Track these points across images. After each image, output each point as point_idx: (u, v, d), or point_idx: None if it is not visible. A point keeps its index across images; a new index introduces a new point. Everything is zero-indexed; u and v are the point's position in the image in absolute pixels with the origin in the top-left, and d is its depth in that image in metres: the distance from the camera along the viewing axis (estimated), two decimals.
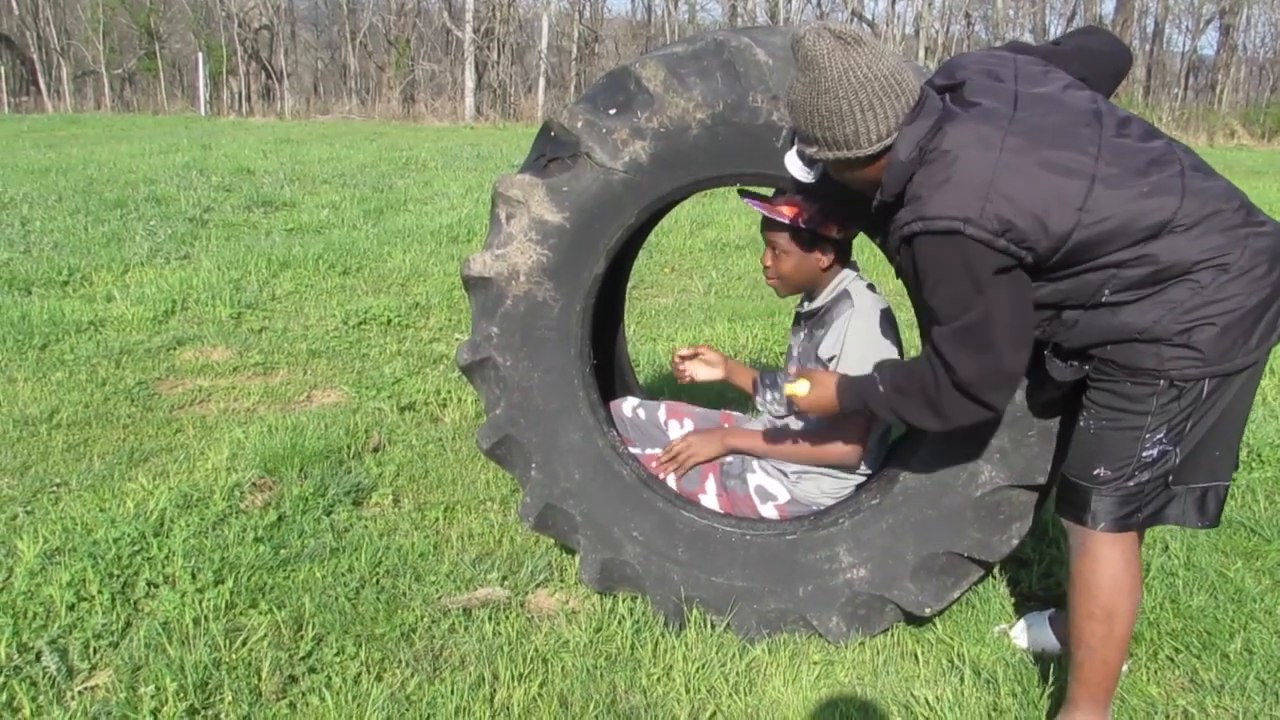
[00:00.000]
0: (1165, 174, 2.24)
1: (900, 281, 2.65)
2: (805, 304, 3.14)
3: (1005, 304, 2.24)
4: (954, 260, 2.21)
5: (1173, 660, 3.02)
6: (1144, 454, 2.37)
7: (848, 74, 2.24)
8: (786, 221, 2.88)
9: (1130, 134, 2.30)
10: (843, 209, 2.80)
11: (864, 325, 2.93)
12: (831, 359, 2.96)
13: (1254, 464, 4.34)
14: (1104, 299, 2.29)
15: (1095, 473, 2.43)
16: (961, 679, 2.90)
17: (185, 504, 3.77)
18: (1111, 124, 2.29)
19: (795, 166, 2.52)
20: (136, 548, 3.42)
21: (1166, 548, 3.58)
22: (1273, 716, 2.76)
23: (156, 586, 3.24)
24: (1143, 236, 2.21)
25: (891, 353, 2.94)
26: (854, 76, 2.24)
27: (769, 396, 2.91)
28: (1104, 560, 2.46)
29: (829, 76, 2.25)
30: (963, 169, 2.19)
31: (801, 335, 3.14)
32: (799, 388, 2.72)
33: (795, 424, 3.12)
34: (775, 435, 3.11)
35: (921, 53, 30.73)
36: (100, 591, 3.18)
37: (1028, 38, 32.85)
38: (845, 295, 2.99)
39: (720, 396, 4.96)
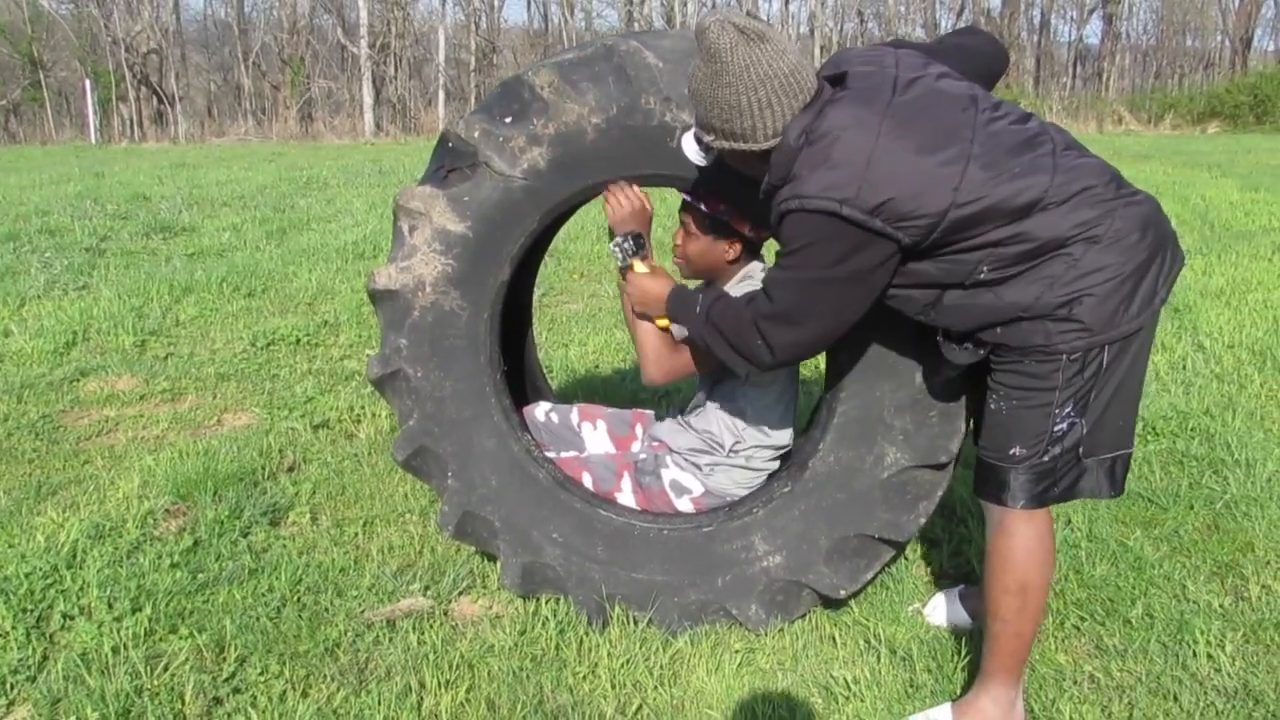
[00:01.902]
0: (1037, 154, 2.32)
1: None
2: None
3: (853, 282, 2.35)
4: (823, 232, 2.29)
5: (1078, 629, 3.13)
6: (1055, 429, 2.45)
7: (748, 70, 2.28)
8: (702, 208, 2.93)
9: (1004, 117, 2.38)
10: (760, 210, 2.84)
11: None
12: None
13: (1149, 436, 4.51)
14: (982, 276, 2.36)
15: (1011, 452, 2.50)
16: (878, 658, 2.97)
17: (97, 534, 3.71)
18: (986, 108, 2.37)
19: (691, 149, 2.58)
20: (49, 581, 3.36)
21: (1069, 521, 3.71)
22: (1174, 676, 2.88)
23: (72, 618, 3.19)
24: (1016, 215, 2.29)
25: None
26: (754, 73, 2.28)
27: (618, 253, 2.88)
28: (1019, 535, 2.54)
29: (729, 71, 2.28)
30: (841, 150, 2.25)
31: None
32: (641, 268, 2.82)
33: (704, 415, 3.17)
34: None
35: (817, 51, 31.21)
36: (14, 627, 3.12)
37: (919, 33, 33.55)
38: (748, 277, 3.04)
39: (633, 398, 5.02)
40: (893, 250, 2.32)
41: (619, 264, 2.92)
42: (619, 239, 2.89)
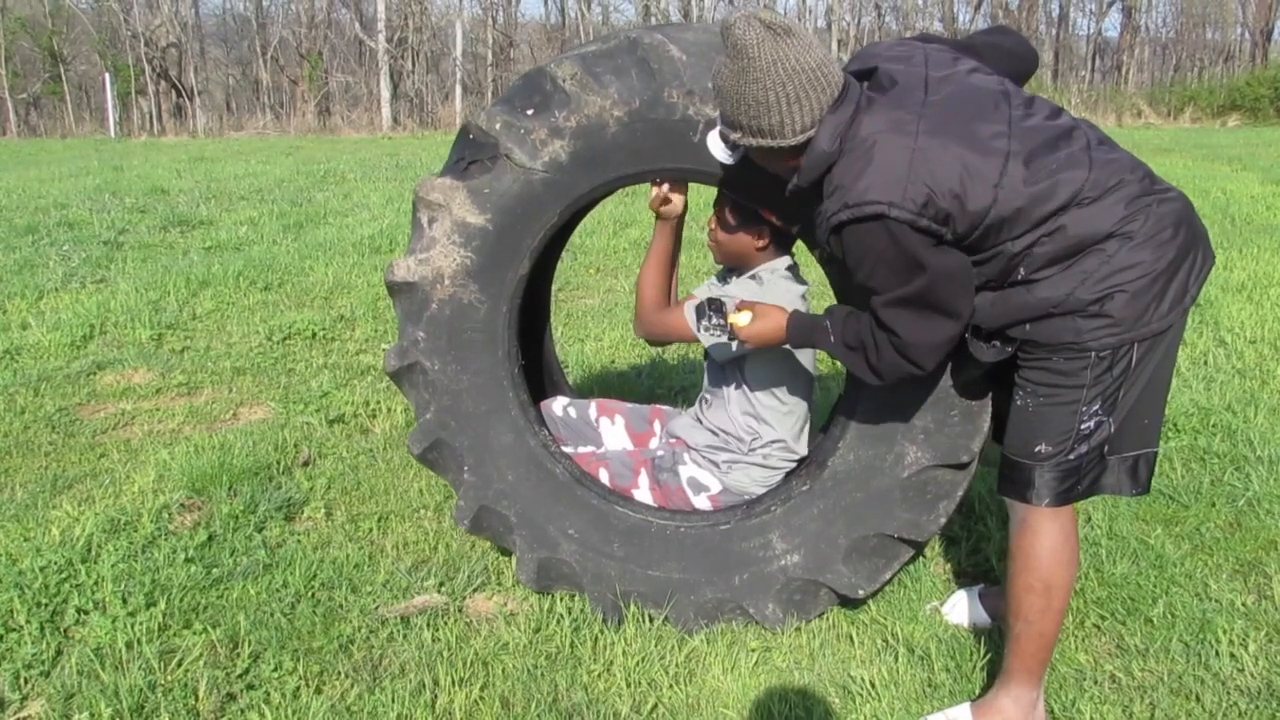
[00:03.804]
0: (1073, 148, 2.31)
1: (822, 271, 2.69)
2: (732, 277, 3.15)
3: (946, 271, 2.30)
4: (885, 242, 2.25)
5: (1099, 627, 3.10)
6: (1082, 426, 2.43)
7: (775, 65, 2.26)
8: (725, 190, 2.91)
9: (1036, 113, 2.36)
10: (783, 205, 2.82)
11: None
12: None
13: (1170, 433, 4.46)
14: (1020, 277, 2.35)
15: (1036, 450, 2.48)
16: (896, 657, 2.95)
17: (113, 528, 3.70)
18: (1019, 104, 2.35)
19: (716, 147, 2.55)
20: (64, 575, 3.36)
21: (1089, 518, 3.67)
22: (1196, 676, 2.84)
23: (86, 613, 3.19)
24: (1054, 211, 2.27)
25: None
26: (781, 68, 2.27)
27: (713, 321, 2.84)
28: (1044, 534, 2.52)
29: (757, 66, 2.27)
30: (881, 155, 2.23)
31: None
32: (741, 318, 2.75)
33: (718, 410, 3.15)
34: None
35: (834, 45, 31.11)
36: (28, 621, 3.12)
37: (937, 27, 33.40)
38: (754, 278, 3.03)
39: (650, 394, 5.00)
40: (935, 243, 2.29)
41: (724, 337, 2.85)
42: (704, 321, 2.85)
